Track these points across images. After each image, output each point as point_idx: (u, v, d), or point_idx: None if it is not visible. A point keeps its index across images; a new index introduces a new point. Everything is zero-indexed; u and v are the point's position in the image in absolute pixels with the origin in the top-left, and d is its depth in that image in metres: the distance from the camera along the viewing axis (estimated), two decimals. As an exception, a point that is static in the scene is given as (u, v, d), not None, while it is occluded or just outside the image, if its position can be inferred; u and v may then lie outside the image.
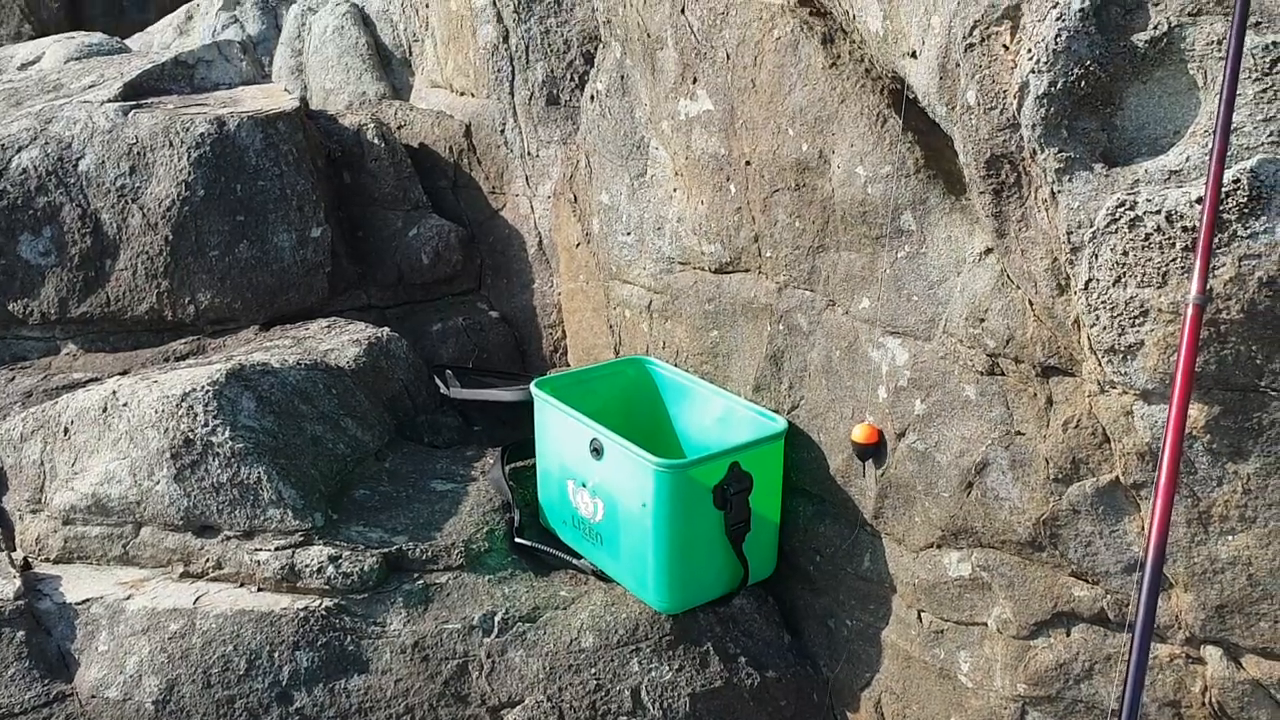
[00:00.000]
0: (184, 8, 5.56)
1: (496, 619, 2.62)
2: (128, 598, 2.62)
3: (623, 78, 3.10)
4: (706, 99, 2.77)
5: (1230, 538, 2.00)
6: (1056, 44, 1.86)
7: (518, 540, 2.84)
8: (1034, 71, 1.88)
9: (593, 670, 2.57)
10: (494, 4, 3.72)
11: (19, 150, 3.48)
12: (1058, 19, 1.86)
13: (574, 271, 3.55)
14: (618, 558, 2.69)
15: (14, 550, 2.81)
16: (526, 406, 3.00)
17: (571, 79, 3.68)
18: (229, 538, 2.68)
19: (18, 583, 2.62)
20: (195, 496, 2.68)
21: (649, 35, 2.92)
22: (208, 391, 2.76)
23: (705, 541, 2.60)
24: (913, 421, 2.40)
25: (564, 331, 3.73)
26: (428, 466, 3.10)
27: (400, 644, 2.56)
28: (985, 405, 2.27)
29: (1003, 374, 2.24)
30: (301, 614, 2.55)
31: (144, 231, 3.45)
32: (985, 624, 2.41)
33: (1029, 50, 1.89)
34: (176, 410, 2.72)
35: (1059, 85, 1.87)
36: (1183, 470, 1.96)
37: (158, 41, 5.42)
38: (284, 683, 2.48)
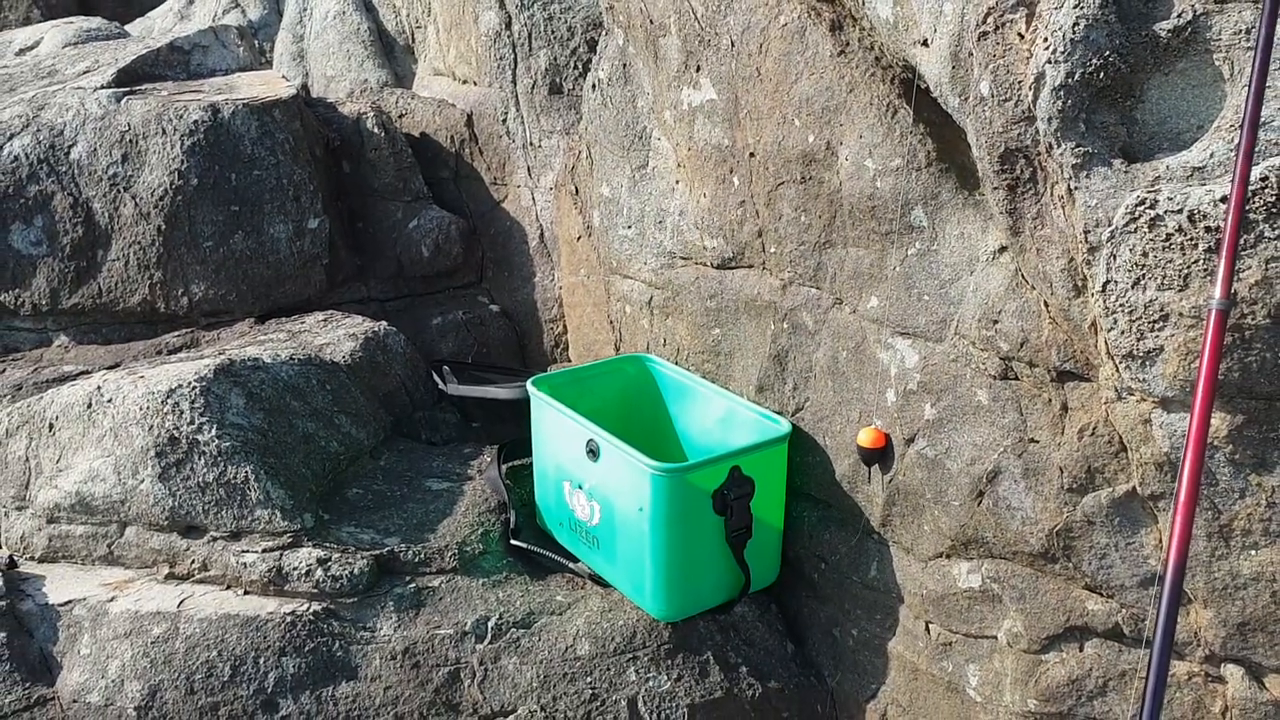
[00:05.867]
0: (186, -8, 5.48)
1: (490, 625, 2.54)
2: (111, 599, 2.55)
3: (625, 66, 3.01)
4: (710, 88, 2.67)
5: (1253, 553, 1.90)
6: (1074, 33, 1.77)
7: (513, 542, 2.76)
8: (1050, 62, 1.79)
9: (588, 679, 2.49)
10: (496, -11, 3.63)
11: (11, 138, 3.40)
12: (1076, 6, 1.77)
13: (575, 265, 3.46)
14: (615, 563, 2.61)
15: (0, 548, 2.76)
16: (525, 404, 2.91)
17: (575, 67, 3.59)
18: (215, 539, 2.60)
19: (0, 583, 2.55)
20: (180, 496, 2.60)
21: (651, 21, 2.82)
22: (194, 388, 2.68)
23: (704, 548, 2.52)
24: (922, 426, 2.31)
25: (565, 326, 3.64)
26: (424, 465, 3.02)
27: (390, 650, 2.48)
28: (998, 411, 2.17)
29: (1016, 378, 2.14)
30: (288, 618, 2.48)
31: (136, 221, 3.38)
32: (995, 637, 2.32)
33: (1045, 39, 1.80)
34: (162, 407, 2.64)
35: (1076, 76, 1.78)
36: (1203, 482, 1.87)
37: (158, 27, 5.34)
38: (269, 690, 2.41)
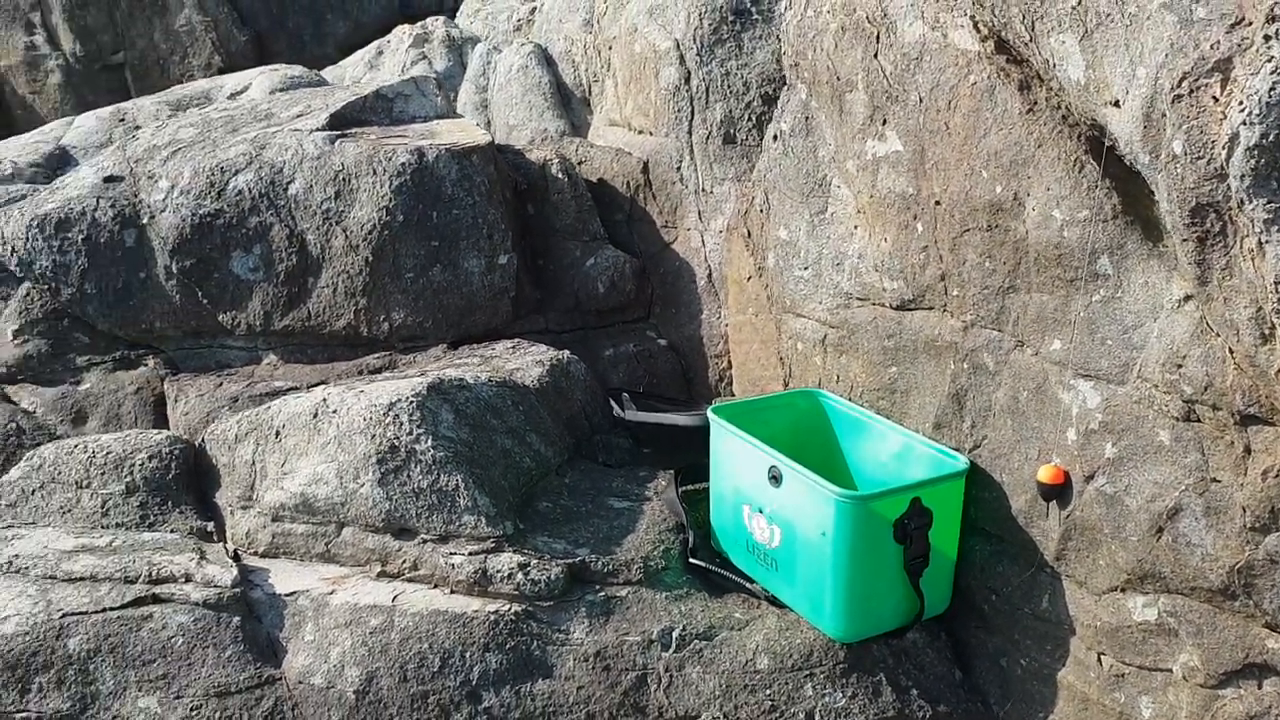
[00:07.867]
0: (375, 44, 5.91)
1: (674, 635, 2.72)
2: (331, 592, 2.80)
3: (807, 119, 3.21)
4: (896, 140, 2.85)
5: None
6: (1270, 97, 1.88)
7: (692, 560, 2.93)
8: (1245, 123, 1.90)
9: (768, 691, 2.65)
10: (678, 47, 3.88)
11: (236, 173, 3.76)
12: (1273, 72, 1.89)
13: (743, 304, 3.65)
14: (794, 584, 2.76)
15: (225, 543, 3.04)
16: (697, 432, 3.10)
17: (749, 119, 3.81)
18: (425, 540, 2.84)
19: (234, 571, 2.83)
20: (396, 500, 2.85)
21: (839, 78, 3.01)
22: (412, 402, 2.94)
23: (883, 573, 2.66)
24: (1102, 464, 2.42)
25: (729, 362, 3.83)
26: (604, 484, 3.23)
27: (583, 652, 2.67)
28: (1180, 451, 2.28)
29: (1199, 420, 2.25)
30: (492, 617, 2.69)
31: (346, 252, 3.69)
32: (1170, 670, 2.40)
33: (1240, 102, 1.92)
34: (384, 418, 2.91)
35: (1271, 137, 1.88)
36: (1391, 525, 1.95)
37: (349, 75, 5.77)
38: (474, 682, 2.63)
